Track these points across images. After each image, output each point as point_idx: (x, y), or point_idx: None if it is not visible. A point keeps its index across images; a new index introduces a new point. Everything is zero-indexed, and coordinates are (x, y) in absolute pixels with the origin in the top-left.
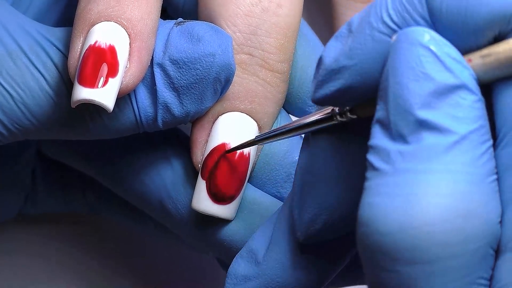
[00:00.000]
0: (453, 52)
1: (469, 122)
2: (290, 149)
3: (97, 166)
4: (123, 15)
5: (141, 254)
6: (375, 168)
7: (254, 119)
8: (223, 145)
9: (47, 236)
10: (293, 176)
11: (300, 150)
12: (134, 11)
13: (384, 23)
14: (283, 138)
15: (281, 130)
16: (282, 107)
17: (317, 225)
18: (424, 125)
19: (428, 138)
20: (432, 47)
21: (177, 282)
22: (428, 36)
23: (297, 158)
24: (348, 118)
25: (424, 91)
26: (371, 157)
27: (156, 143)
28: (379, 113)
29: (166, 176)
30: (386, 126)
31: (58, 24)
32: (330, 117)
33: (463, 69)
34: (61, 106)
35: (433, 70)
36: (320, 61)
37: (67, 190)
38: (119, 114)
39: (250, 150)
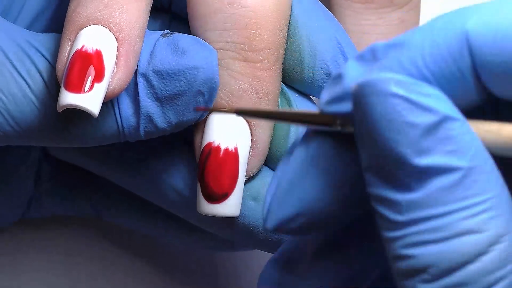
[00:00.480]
0: (423, 88)
1: (466, 151)
2: None
3: (111, 165)
4: (111, 19)
5: (144, 258)
6: (391, 221)
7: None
8: (208, 144)
9: (49, 239)
10: None
11: (298, 144)
12: (123, 15)
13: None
14: (279, 122)
15: (278, 113)
16: (295, 88)
17: (294, 224)
18: (426, 171)
19: (434, 181)
20: (402, 92)
21: (181, 286)
22: (393, 82)
23: None
24: (350, 130)
25: (412, 139)
26: (381, 209)
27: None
28: (368, 162)
29: (182, 166)
30: (384, 177)
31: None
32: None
33: (438, 101)
34: (44, 114)
35: (412, 115)
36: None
37: (72, 192)
38: (102, 123)
39: (237, 146)
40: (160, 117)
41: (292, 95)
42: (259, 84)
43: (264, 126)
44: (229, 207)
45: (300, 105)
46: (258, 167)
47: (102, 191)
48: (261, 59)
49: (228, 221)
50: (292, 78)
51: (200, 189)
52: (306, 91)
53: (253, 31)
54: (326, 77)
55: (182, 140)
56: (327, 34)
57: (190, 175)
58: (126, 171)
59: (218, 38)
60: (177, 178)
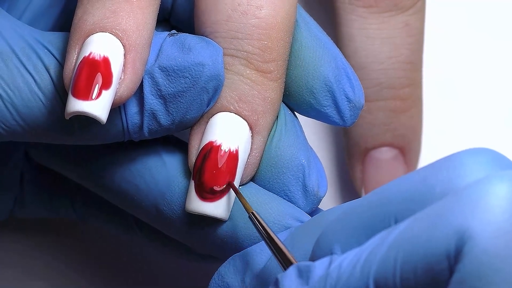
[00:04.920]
0: None
1: None
2: (297, 152)
3: (85, 171)
4: (118, 26)
5: (128, 261)
6: None
7: (243, 118)
8: (210, 143)
9: (34, 242)
10: (300, 179)
11: None
12: (130, 22)
13: None
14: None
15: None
16: (290, 107)
17: None
18: None
19: None
20: None
21: None
22: None
23: (304, 161)
24: None
25: None
26: None
27: (146, 142)
28: None
29: (159, 176)
30: None
31: (52, 30)
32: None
33: None
34: (49, 109)
35: None
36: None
37: (55, 196)
38: (107, 120)
39: (239, 148)
40: (164, 114)
41: (285, 111)
42: (268, 93)
43: (265, 136)
44: (220, 208)
45: (289, 123)
46: (251, 176)
47: (83, 195)
48: (271, 70)
49: (203, 235)
50: (290, 94)
51: (193, 186)
52: (301, 108)
53: (265, 42)
54: (329, 94)
55: (159, 156)
56: (331, 55)
57: (165, 188)
58: (102, 182)
59: (229, 45)
60: (152, 191)
